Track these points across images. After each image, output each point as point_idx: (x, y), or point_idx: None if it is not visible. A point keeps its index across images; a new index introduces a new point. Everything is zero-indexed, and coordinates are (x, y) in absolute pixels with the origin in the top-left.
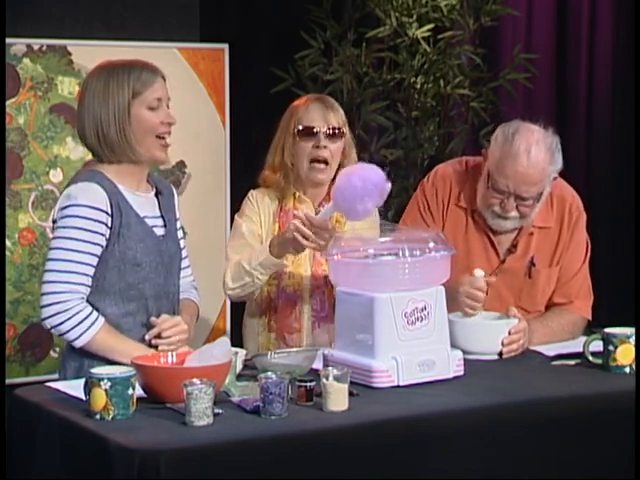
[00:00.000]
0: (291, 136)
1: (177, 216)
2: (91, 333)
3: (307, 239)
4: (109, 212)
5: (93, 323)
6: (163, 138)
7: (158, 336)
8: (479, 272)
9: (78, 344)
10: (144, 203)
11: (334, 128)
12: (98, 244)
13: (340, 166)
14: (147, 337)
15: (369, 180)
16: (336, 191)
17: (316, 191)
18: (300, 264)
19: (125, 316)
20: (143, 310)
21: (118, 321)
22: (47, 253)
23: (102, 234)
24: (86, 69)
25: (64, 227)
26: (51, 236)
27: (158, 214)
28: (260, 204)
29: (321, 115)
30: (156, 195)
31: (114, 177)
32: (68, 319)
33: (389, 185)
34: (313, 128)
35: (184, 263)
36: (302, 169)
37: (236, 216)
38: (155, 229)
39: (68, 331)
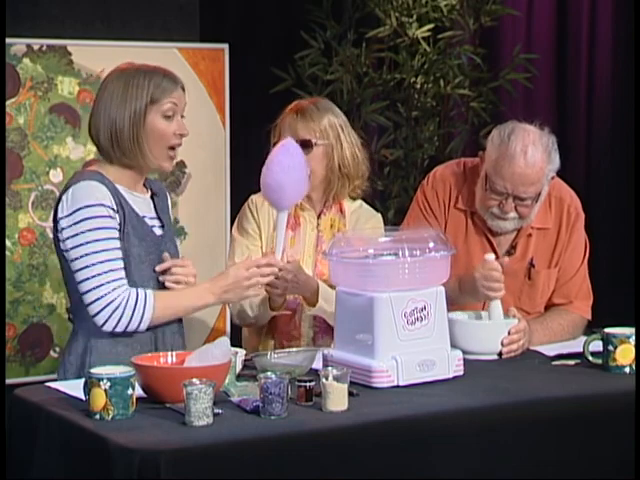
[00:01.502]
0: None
1: (171, 217)
2: (149, 312)
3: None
4: (115, 209)
5: (145, 302)
6: (173, 149)
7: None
8: (490, 255)
9: (145, 327)
10: (142, 204)
11: (302, 140)
12: (117, 238)
13: (331, 170)
14: (157, 269)
15: (296, 166)
16: (271, 197)
17: (310, 196)
18: None
19: None
20: None
21: None
22: (73, 263)
23: (115, 228)
24: (86, 69)
25: (81, 233)
26: (63, 239)
27: (155, 215)
28: (260, 210)
29: (289, 127)
30: (151, 197)
31: (113, 177)
32: (122, 314)
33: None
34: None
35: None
36: None
37: (233, 228)
38: (154, 229)
39: (129, 323)
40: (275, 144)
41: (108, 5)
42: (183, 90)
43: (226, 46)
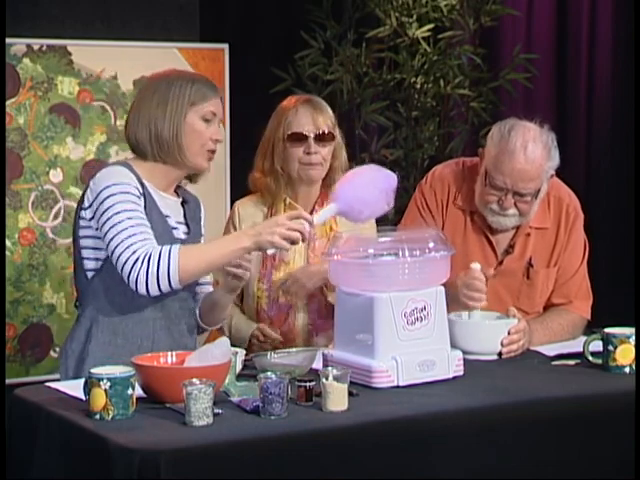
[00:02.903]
0: (281, 141)
1: (202, 231)
2: (175, 261)
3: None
4: (140, 192)
5: (170, 253)
6: (209, 152)
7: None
8: (475, 265)
9: (177, 281)
10: (169, 205)
11: (324, 132)
12: (144, 212)
13: (330, 167)
14: None
15: (379, 187)
16: (342, 196)
17: (308, 193)
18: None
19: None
20: (165, 308)
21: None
22: (105, 239)
23: (142, 206)
24: (86, 69)
25: (110, 207)
26: (93, 227)
27: (183, 220)
28: (243, 220)
29: (310, 119)
30: (182, 204)
31: (143, 173)
32: (148, 269)
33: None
34: (303, 133)
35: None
36: (293, 171)
37: None
38: (175, 231)
39: (159, 277)
40: (283, 134)
41: (108, 5)
42: (222, 101)
43: (226, 46)
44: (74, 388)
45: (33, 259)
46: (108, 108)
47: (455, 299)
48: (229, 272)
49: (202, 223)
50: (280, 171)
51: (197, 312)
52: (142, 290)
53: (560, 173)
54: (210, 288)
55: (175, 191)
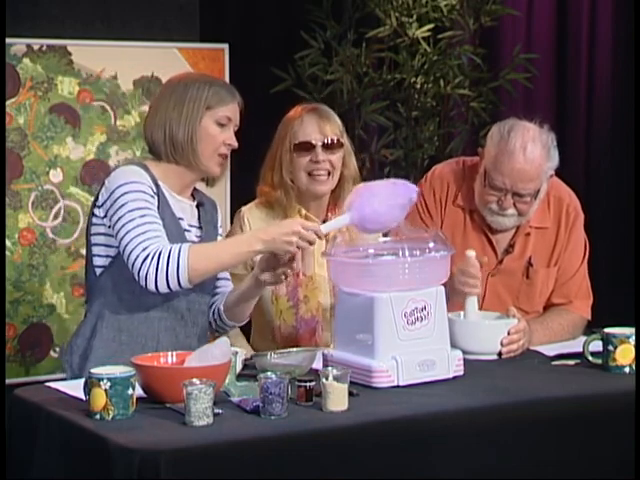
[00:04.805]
0: (288, 152)
1: (220, 233)
2: (184, 259)
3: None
4: (154, 191)
5: (180, 250)
6: (221, 156)
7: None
8: (470, 252)
9: (186, 279)
10: (184, 208)
11: (332, 141)
12: (156, 211)
13: (341, 176)
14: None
15: (396, 203)
16: (355, 208)
17: (319, 204)
18: (315, 287)
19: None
20: (172, 308)
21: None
22: (118, 237)
23: (155, 205)
24: (86, 69)
25: (123, 205)
26: (106, 224)
27: (197, 224)
28: (252, 226)
29: (316, 127)
30: (197, 207)
31: (158, 174)
32: (158, 264)
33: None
34: (309, 142)
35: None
36: (302, 183)
37: None
38: (187, 233)
39: (167, 274)
40: (289, 144)
41: (108, 5)
42: (239, 106)
43: (226, 46)
44: (74, 388)
45: (33, 259)
46: (108, 108)
47: (451, 288)
48: (280, 268)
49: (219, 225)
50: (290, 183)
51: (221, 308)
52: (151, 287)
53: (560, 173)
54: (230, 285)
55: (192, 194)
